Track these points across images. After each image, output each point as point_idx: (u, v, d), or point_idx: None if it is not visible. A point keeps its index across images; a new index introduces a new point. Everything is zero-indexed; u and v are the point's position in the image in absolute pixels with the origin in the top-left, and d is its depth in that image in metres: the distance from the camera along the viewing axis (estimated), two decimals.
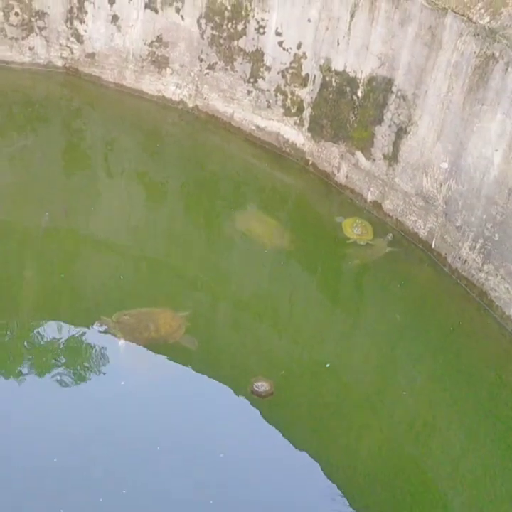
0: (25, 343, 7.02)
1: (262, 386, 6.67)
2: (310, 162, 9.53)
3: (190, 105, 10.38)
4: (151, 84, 10.47)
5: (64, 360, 6.85)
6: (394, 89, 8.41)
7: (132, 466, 6.03)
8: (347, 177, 9.16)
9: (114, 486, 5.84)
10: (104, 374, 6.83)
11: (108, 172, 9.57)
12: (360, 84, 8.75)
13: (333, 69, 9.00)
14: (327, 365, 7.22)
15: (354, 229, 8.58)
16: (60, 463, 5.91)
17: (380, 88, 8.55)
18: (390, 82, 8.44)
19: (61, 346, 6.97)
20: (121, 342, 6.95)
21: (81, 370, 6.80)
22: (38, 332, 7.06)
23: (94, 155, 9.69)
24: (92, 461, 5.99)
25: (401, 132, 8.43)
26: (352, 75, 8.80)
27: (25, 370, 6.71)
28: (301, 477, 6.26)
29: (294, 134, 9.64)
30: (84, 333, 7.06)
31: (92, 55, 10.54)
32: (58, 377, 6.68)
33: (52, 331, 7.09)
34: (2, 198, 8.48)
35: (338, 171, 9.24)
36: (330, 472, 6.25)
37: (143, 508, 5.75)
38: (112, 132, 10.15)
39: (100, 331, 7.00)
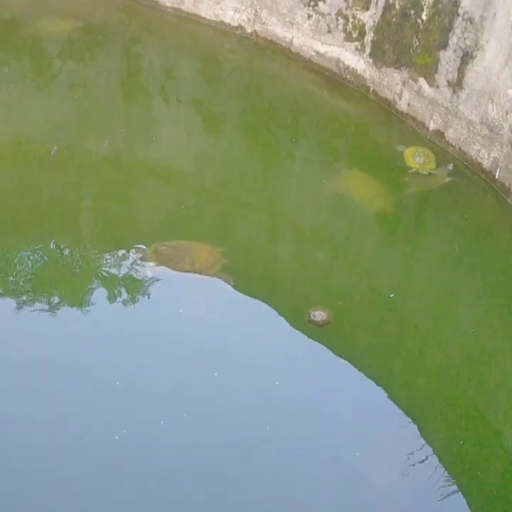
0: (84, 270, 7.12)
1: (319, 315, 6.65)
2: (371, 89, 9.30)
3: (249, 30, 10.18)
4: (209, 9, 10.28)
5: (123, 288, 6.93)
6: (460, 11, 8.07)
7: (191, 391, 6.11)
8: (409, 105, 8.92)
9: (175, 409, 5.95)
10: (162, 302, 6.88)
11: (166, 99, 9.51)
12: (424, 7, 8.44)
13: None
14: (391, 296, 7.14)
15: (416, 158, 8.40)
16: (122, 385, 6.04)
17: (446, 10, 8.22)
18: (456, 4, 8.10)
19: (118, 274, 7.03)
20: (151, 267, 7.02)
21: (139, 297, 6.88)
22: (96, 259, 7.14)
23: (152, 82, 9.63)
24: (154, 384, 6.09)
25: (467, 57, 8.12)
26: None
27: (86, 298, 6.82)
28: (356, 406, 6.27)
29: (355, 60, 9.40)
30: (138, 263, 7.12)
31: None
32: (119, 305, 6.77)
33: (109, 258, 7.16)
34: (62, 124, 8.52)
35: (400, 99, 9.00)
36: (386, 402, 6.25)
37: (202, 430, 5.85)
38: (170, 58, 10.05)
39: (137, 259, 7.05)
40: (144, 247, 7.14)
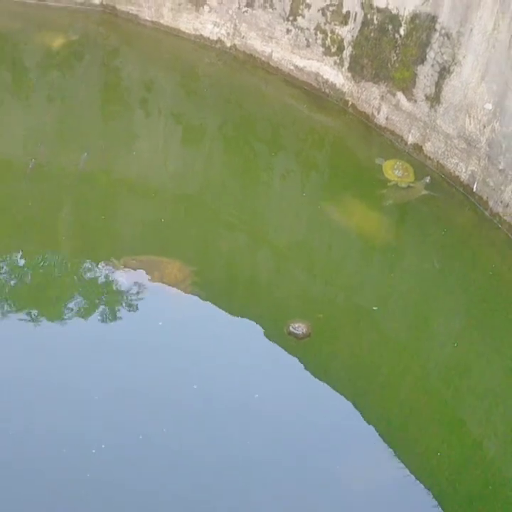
0: (59, 283, 7.07)
1: (299, 328, 6.65)
2: (349, 103, 9.36)
3: (228, 44, 10.22)
4: (189, 23, 10.31)
5: (100, 301, 6.88)
6: (438, 27, 8.16)
7: (170, 404, 6.08)
8: (387, 118, 8.98)
9: (154, 424, 5.90)
10: (142, 315, 6.84)
11: (145, 112, 9.51)
12: (402, 22, 8.51)
13: (375, 6, 8.76)
14: (374, 308, 7.14)
15: (395, 171, 8.45)
16: (101, 399, 5.99)
17: (424, 26, 8.30)
18: (433, 19, 8.19)
19: (93, 287, 6.99)
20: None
21: (117, 310, 6.84)
22: (72, 272, 7.10)
23: (132, 95, 9.63)
24: (132, 398, 6.05)
25: (444, 72, 8.20)
26: (394, 12, 8.55)
27: (65, 310, 6.77)
28: (334, 419, 6.27)
29: (334, 74, 9.45)
30: (117, 275, 7.08)
31: None
32: (98, 318, 6.73)
33: (88, 272, 7.13)
34: (41, 137, 8.48)
35: (379, 113, 9.06)
36: (364, 415, 6.25)
37: (181, 444, 5.81)
38: (149, 72, 10.05)
39: (108, 272, 7.03)
40: (114, 260, 7.11)
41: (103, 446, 5.66)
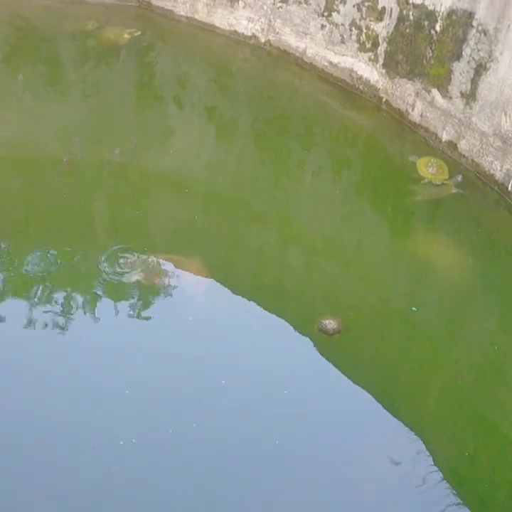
0: (93, 277, 7.10)
1: (329, 324, 6.62)
2: (383, 100, 9.29)
3: (262, 40, 10.21)
4: (223, 19, 10.31)
5: (134, 296, 6.92)
6: (474, 23, 8.06)
7: (199, 400, 6.10)
8: (421, 115, 8.90)
9: (184, 419, 5.92)
10: (172, 311, 6.87)
11: (179, 107, 9.53)
12: (438, 18, 8.42)
13: (410, 2, 8.68)
14: (414, 309, 7.05)
15: (429, 168, 8.37)
16: (131, 394, 6.02)
17: (460, 22, 8.21)
18: (470, 15, 8.09)
19: (126, 282, 7.02)
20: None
21: (150, 306, 6.87)
22: (105, 266, 7.12)
23: (166, 90, 9.66)
24: (162, 393, 6.08)
25: (480, 69, 8.10)
26: (431, 8, 8.47)
27: (97, 304, 6.82)
28: (364, 417, 6.24)
29: (368, 71, 9.40)
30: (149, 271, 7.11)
31: None
32: (130, 312, 6.76)
33: (121, 267, 7.13)
34: (76, 131, 8.55)
35: (413, 109, 8.98)
36: (394, 414, 6.21)
37: (211, 439, 5.83)
38: (183, 67, 10.08)
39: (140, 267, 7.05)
40: (148, 255, 7.12)
41: (133, 440, 5.70)
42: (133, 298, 6.85)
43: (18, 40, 10.17)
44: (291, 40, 9.95)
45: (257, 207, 8.12)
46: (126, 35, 10.15)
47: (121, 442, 5.68)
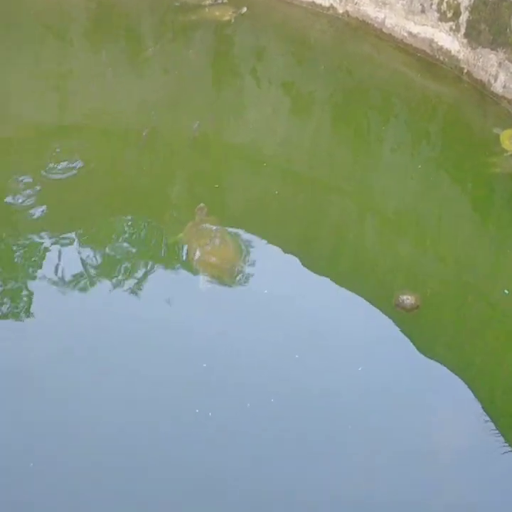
0: (169, 250, 7.19)
1: (407, 299, 6.52)
2: (464, 71, 9.07)
3: (340, 11, 10.07)
4: None
5: (208, 269, 6.95)
6: None
7: (273, 373, 6.12)
8: (505, 87, 8.65)
9: (258, 392, 5.97)
10: (249, 283, 6.90)
11: (256, 81, 9.51)
12: None
13: None
14: (506, 292, 6.86)
15: None
16: (208, 367, 6.08)
17: None
18: None
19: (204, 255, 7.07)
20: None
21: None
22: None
23: (243, 63, 9.64)
24: (239, 368, 6.14)
25: None
26: None
27: (170, 277, 6.91)
28: (441, 394, 6.16)
29: (449, 41, 9.17)
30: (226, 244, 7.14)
31: None
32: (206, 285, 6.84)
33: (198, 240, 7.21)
34: (154, 105, 8.65)
35: (495, 80, 8.74)
36: (473, 392, 6.12)
37: (283, 414, 5.86)
38: (260, 40, 10.03)
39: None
40: (225, 229, 7.13)
41: (197, 410, 5.76)
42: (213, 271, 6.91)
43: (101, 15, 10.28)
44: (369, 10, 9.78)
45: (335, 181, 8.08)
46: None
47: (197, 410, 5.78)
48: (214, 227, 7.13)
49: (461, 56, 9.07)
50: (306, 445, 5.69)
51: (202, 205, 7.28)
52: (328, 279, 6.94)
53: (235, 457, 5.58)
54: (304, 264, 7.04)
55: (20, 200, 7.30)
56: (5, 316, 6.46)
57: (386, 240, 7.61)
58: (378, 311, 6.64)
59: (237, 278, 6.86)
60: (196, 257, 6.91)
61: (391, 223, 7.70)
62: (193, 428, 5.70)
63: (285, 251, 7.12)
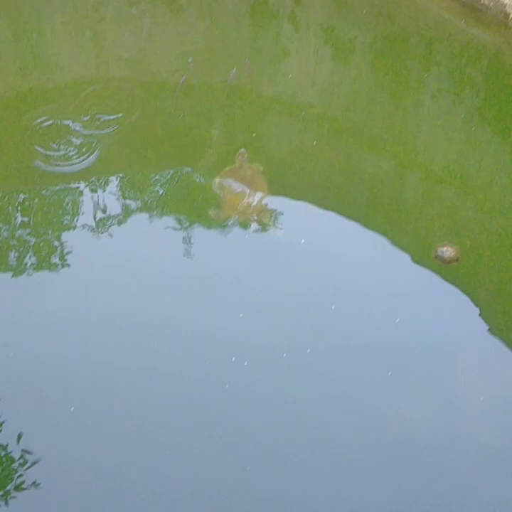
0: (206, 198, 7.16)
1: (446, 251, 6.46)
2: (510, 16, 8.77)
3: None
4: None
5: (243, 217, 6.95)
6: None
7: (310, 324, 6.12)
8: None
9: (297, 342, 5.97)
10: (286, 232, 6.87)
11: (295, 27, 9.31)
12: None
13: None
14: None
15: None
16: (245, 317, 6.10)
17: None
18: None
19: (238, 203, 7.04)
20: None
21: (262, 227, 6.89)
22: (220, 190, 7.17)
23: (281, 9, 9.43)
24: (276, 316, 6.14)
25: None
26: None
27: (213, 227, 6.89)
28: (477, 344, 6.13)
29: None
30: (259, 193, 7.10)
31: None
32: (240, 234, 6.83)
33: (233, 188, 7.19)
34: (191, 53, 8.54)
35: None
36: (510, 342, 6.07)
37: (322, 363, 5.88)
38: None
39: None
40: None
41: (246, 363, 5.82)
42: (249, 219, 6.89)
43: None
44: None
45: (374, 131, 7.93)
46: None
47: (234, 358, 5.81)
48: (250, 173, 7.08)
49: (507, 0, 8.76)
50: (344, 395, 5.70)
51: (243, 150, 7.28)
52: (366, 230, 6.88)
53: (269, 406, 5.60)
54: (341, 215, 6.98)
55: (61, 152, 7.31)
56: (51, 263, 6.53)
57: (426, 191, 7.47)
58: (417, 263, 6.58)
59: (271, 227, 6.82)
60: (230, 201, 6.90)
61: (431, 173, 7.56)
62: (228, 376, 5.74)
63: (322, 201, 7.05)
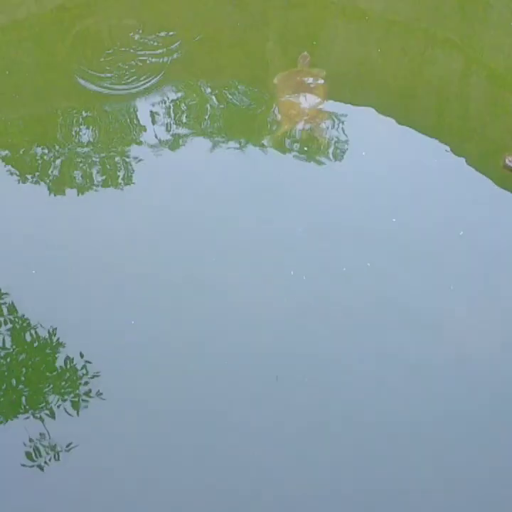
0: (269, 114, 7.02)
1: None
2: None
3: None
4: None
5: (300, 128, 6.80)
6: None
7: (369, 233, 6.00)
8: None
9: (357, 257, 5.88)
10: (349, 143, 6.70)
11: None
12: None
13: None
14: None
15: None
16: (304, 235, 6.02)
17: None
18: None
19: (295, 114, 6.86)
20: None
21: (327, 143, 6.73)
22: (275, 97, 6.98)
23: None
24: (333, 228, 6.05)
25: None
26: None
27: (270, 147, 6.73)
28: None
29: None
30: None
31: None
32: (295, 149, 6.68)
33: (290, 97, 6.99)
34: None
35: None
36: None
37: (385, 275, 5.78)
38: None
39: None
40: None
41: (304, 277, 5.76)
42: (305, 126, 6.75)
43: None
44: None
45: (441, 32, 7.52)
46: None
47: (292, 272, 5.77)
48: (310, 80, 6.87)
49: None
50: (406, 308, 5.60)
51: (305, 53, 7.07)
52: (431, 139, 6.65)
53: (327, 321, 5.59)
54: (405, 124, 6.75)
55: (116, 78, 7.20)
56: (116, 181, 6.52)
57: (495, 97, 7.15)
58: (484, 172, 6.37)
59: (329, 136, 6.67)
60: (285, 106, 6.75)
61: (501, 79, 7.20)
62: (287, 290, 5.72)
63: (385, 109, 6.81)
